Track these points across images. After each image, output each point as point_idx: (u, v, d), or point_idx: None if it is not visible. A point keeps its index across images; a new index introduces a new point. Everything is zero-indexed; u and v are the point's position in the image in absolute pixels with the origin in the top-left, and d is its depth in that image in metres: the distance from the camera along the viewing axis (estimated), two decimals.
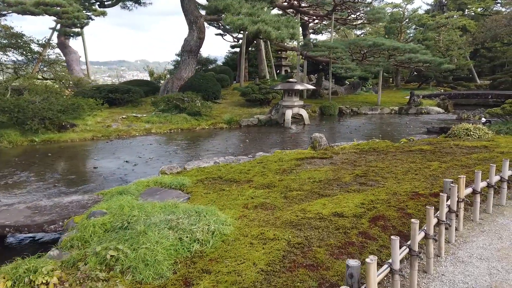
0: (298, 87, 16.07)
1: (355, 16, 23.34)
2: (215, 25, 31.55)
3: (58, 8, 24.35)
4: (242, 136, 13.71)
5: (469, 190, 4.25)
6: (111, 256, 3.36)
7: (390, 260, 2.68)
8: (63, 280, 3.19)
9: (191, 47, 20.12)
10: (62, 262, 3.49)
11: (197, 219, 4.03)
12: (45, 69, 30.02)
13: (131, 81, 25.01)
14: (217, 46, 43.71)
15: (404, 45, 18.80)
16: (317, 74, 25.15)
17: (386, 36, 30.86)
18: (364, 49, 19.00)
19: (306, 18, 28.08)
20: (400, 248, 2.68)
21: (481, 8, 37.78)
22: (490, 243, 3.71)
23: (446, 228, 3.59)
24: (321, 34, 36.47)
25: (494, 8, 37.78)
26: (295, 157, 7.82)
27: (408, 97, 21.26)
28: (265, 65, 27.56)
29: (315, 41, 22.09)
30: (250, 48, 31.19)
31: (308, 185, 5.73)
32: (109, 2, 28.07)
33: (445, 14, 33.70)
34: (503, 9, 36.84)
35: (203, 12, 20.91)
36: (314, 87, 20.69)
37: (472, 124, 10.99)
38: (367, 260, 2.31)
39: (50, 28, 26.71)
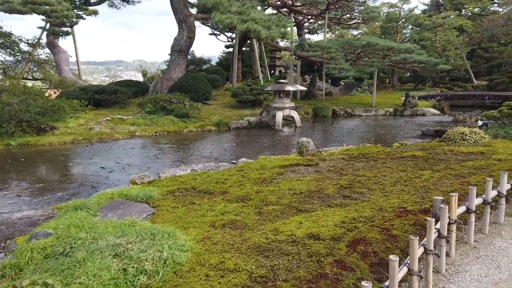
0: (289, 88, 15.55)
1: (350, 15, 22.83)
2: (209, 24, 31.00)
3: (47, 7, 23.73)
4: (230, 140, 13.18)
5: (462, 209, 3.74)
6: None
7: None
8: None
9: (180, 47, 19.58)
10: None
11: (150, 244, 3.50)
12: (35, 69, 29.43)
13: (120, 81, 24.45)
14: (211, 46, 43.12)
15: (399, 45, 18.32)
16: (311, 75, 24.65)
17: (382, 36, 30.38)
18: (358, 49, 18.51)
19: (300, 17, 27.59)
20: None
21: (478, 8, 37.40)
22: (487, 273, 3.20)
23: (436, 256, 3.07)
24: (316, 34, 35.95)
25: (491, 8, 37.42)
26: (278, 164, 7.30)
27: (404, 98, 20.80)
28: (259, 65, 27.03)
29: (308, 41, 21.56)
30: (244, 48, 30.67)
31: (287, 198, 5.21)
32: (95, 0, 27.49)
33: (441, 14, 33.26)
34: (500, 9, 36.51)
35: (193, 11, 20.37)
36: (305, 88, 20.20)
37: (468, 126, 10.53)
38: None
39: (39, 28, 26.06)
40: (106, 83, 26.89)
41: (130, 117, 15.51)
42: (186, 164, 9.16)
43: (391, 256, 2.38)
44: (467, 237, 3.83)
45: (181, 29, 19.38)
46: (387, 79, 36.04)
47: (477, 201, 3.90)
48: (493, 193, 4.17)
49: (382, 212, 4.39)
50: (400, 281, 2.79)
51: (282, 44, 33.12)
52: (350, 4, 20.58)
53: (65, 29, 26.95)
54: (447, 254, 3.45)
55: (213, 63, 33.60)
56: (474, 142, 8.99)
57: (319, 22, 30.69)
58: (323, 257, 3.32)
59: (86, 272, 3.01)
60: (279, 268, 3.18)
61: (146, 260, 3.23)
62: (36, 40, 26.79)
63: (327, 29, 34.27)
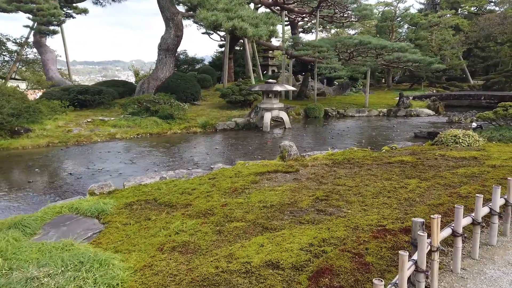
0: (277, 88, 14.97)
1: (342, 13, 22.25)
2: (200, 23, 30.37)
3: (33, 5, 23.06)
4: (215, 142, 12.59)
5: (447, 231, 3.17)
6: None
7: None
8: None
9: (168, 46, 18.97)
10: None
11: (72, 277, 2.92)
12: (23, 69, 28.72)
13: (107, 81, 23.83)
14: (205, 45, 42.50)
15: (392, 44, 17.78)
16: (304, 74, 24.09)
17: (377, 35, 29.85)
18: (350, 48, 17.95)
19: (293, 16, 27.01)
20: None
21: (475, 7, 37.00)
22: None
23: None
24: (311, 33, 35.35)
25: (488, 7, 37.03)
26: (255, 171, 6.72)
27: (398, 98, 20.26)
28: (251, 65, 26.45)
29: (300, 39, 20.98)
30: (237, 48, 30.08)
31: (255, 212, 4.63)
32: None
33: (438, 13, 32.77)
34: (497, 8, 36.09)
35: (182, 9, 19.78)
36: (295, 88, 19.65)
37: (463, 128, 10.00)
38: None
39: (25, 26, 25.37)
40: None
41: (112, 118, 14.89)
42: (164, 169, 8.59)
43: None
44: (453, 264, 3.26)
45: (169, 27, 18.77)
46: (383, 79, 35.54)
47: (465, 221, 3.33)
48: (484, 211, 3.61)
49: (358, 231, 3.82)
50: None
51: (276, 43, 32.56)
52: (342, 1, 20.00)
53: (52, 28, 26.29)
54: None
55: (206, 62, 33.04)
56: (468, 145, 8.45)
57: (313, 21, 30.15)
58: None
59: None
60: None
61: None
62: (23, 39, 26.11)
63: (322, 28, 33.74)
